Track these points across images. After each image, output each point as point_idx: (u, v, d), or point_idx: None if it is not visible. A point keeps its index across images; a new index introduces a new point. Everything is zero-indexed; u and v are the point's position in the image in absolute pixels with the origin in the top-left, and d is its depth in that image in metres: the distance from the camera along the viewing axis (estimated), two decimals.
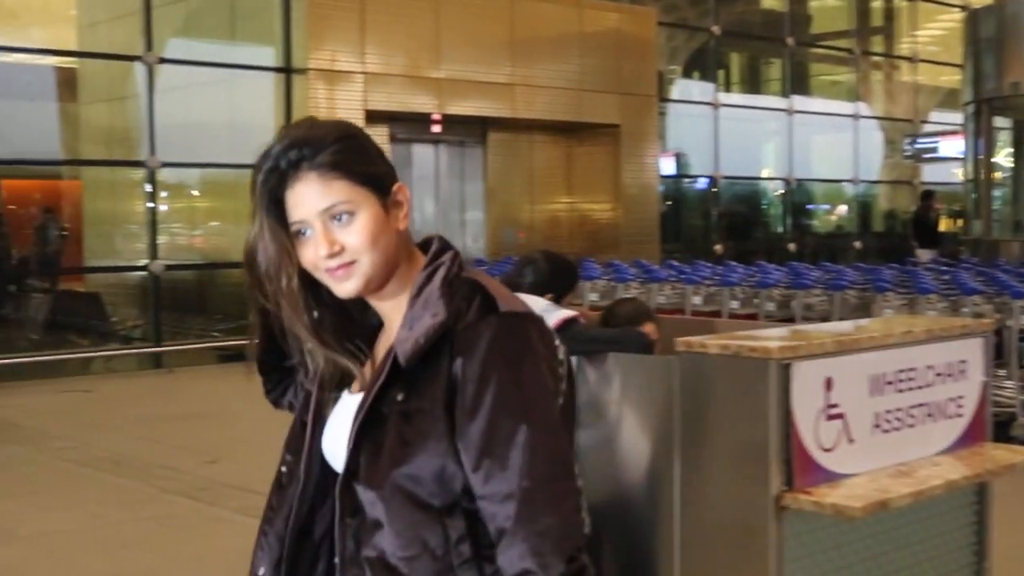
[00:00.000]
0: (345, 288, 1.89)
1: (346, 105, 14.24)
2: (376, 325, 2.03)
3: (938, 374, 3.45)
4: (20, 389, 11.89)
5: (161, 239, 13.94)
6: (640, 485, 3.33)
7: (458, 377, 1.81)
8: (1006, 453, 3.63)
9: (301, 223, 1.87)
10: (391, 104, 14.79)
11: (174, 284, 14.45)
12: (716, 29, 20.00)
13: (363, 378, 1.95)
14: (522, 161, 17.25)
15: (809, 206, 23.49)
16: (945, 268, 12.23)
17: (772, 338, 3.18)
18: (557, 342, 1.94)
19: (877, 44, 25.00)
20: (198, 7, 15.77)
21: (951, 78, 26.02)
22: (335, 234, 1.86)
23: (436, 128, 15.71)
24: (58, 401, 11.27)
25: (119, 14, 15.41)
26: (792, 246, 21.19)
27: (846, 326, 3.97)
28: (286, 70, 14.24)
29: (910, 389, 3.36)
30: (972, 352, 3.57)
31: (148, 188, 13.86)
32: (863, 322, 4.59)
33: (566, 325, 3.45)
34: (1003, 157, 20.09)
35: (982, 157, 19.14)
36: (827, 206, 24.38)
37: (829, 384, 3.10)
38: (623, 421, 3.32)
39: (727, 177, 20.44)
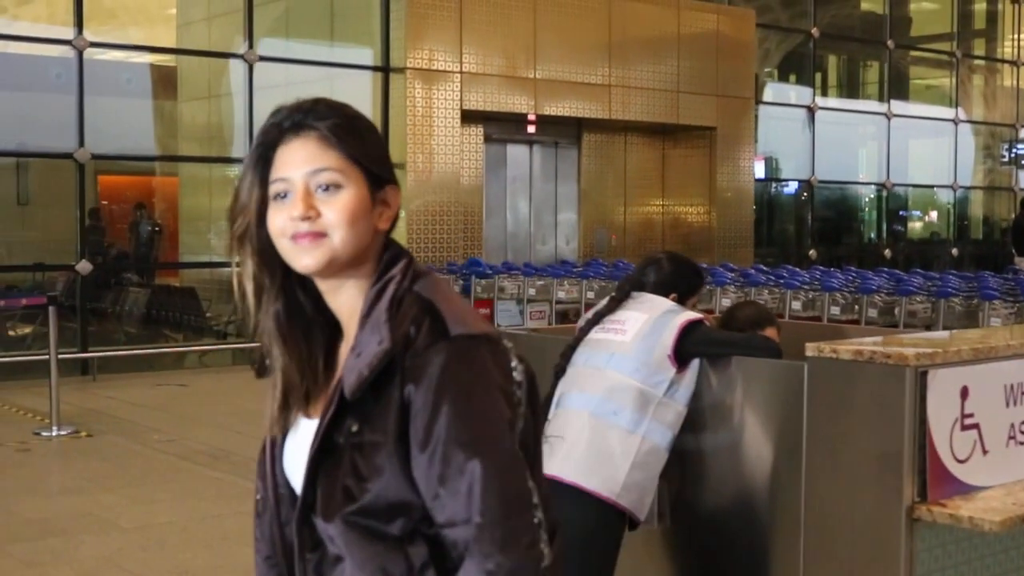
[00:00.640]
0: (305, 260, 1.79)
1: (443, 104, 14.27)
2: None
3: None
4: (116, 382, 12.07)
5: None
6: (764, 491, 3.25)
7: (409, 406, 1.73)
8: None
9: (284, 182, 1.80)
10: (487, 104, 14.79)
11: None
12: (815, 31, 19.75)
13: (315, 399, 1.86)
14: (616, 163, 17.15)
15: (904, 212, 23.11)
16: None
17: (907, 344, 3.08)
18: (514, 363, 1.83)
19: (978, 47, 24.52)
20: (297, 5, 15.90)
21: None
22: (315, 201, 1.79)
23: (531, 129, 15.67)
24: (154, 394, 11.41)
25: (218, 12, 15.61)
26: (887, 252, 20.85)
27: (978, 334, 3.85)
28: (384, 69, 14.30)
29: None
30: None
31: None
32: (997, 330, 4.46)
33: (692, 327, 3.38)
34: None
35: None
36: (923, 212, 23.96)
37: (965, 393, 3.00)
38: (748, 426, 3.24)
39: (823, 182, 20.18)
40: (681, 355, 3.36)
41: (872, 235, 22.20)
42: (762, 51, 18.96)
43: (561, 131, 16.46)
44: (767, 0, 19.64)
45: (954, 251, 22.29)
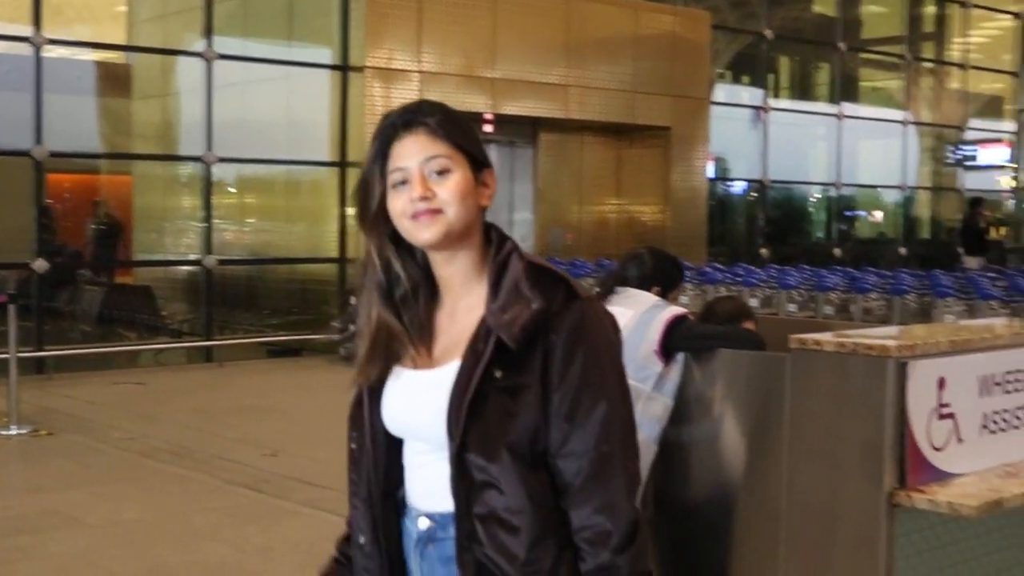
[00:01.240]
0: (425, 235, 2.09)
1: (401, 103, 14.23)
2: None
3: None
4: (73, 380, 11.97)
5: (215, 234, 14.03)
6: (746, 480, 3.33)
7: (550, 354, 2.04)
8: None
9: (402, 171, 2.10)
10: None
11: (224, 279, 14.53)
12: (768, 33, 19.95)
13: (422, 354, 2.16)
14: (572, 162, 17.24)
15: (854, 212, 23.38)
16: (997, 275, 12.14)
17: (887, 336, 3.17)
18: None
19: (928, 50, 24.85)
20: (254, 3, 15.86)
21: (991, 86, 25.90)
22: (430, 184, 2.09)
23: (488, 128, 15.71)
24: (112, 393, 11.34)
25: (172, 11, 15.56)
26: (837, 251, 21.10)
27: (954, 327, 3.96)
28: (343, 68, 14.29)
29: (1017, 391, 3.36)
30: None
31: (204, 183, 13.95)
32: (973, 323, 4.58)
33: (678, 322, 3.45)
34: None
35: None
36: (872, 212, 24.26)
37: (942, 383, 3.10)
38: (732, 417, 3.32)
39: (775, 182, 20.39)
40: (668, 350, 3.44)
41: (821, 234, 22.44)
42: (712, 51, 19.11)
43: (518, 130, 16.51)
44: (716, 1, 19.80)
45: (902, 250, 22.58)
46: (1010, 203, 24.41)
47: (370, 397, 2.20)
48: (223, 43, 13.99)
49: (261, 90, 14.97)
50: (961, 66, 24.31)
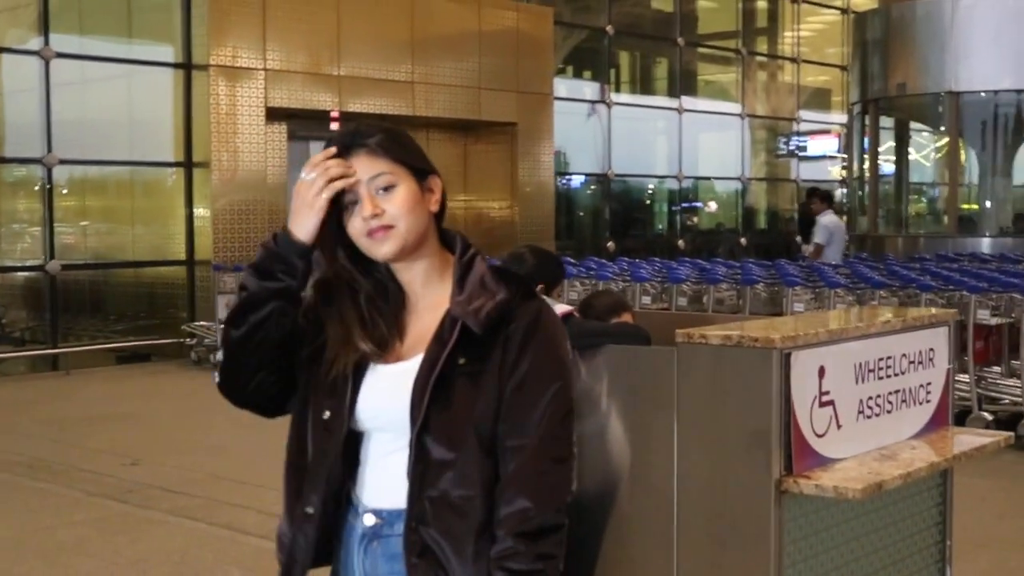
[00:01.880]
0: (383, 250, 2.23)
1: (247, 102, 14.12)
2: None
3: (911, 362, 3.60)
4: None
5: (57, 239, 13.65)
6: (636, 476, 3.40)
7: (509, 342, 2.21)
8: (971, 436, 3.81)
9: (352, 193, 2.22)
10: (291, 101, 14.71)
11: (69, 284, 14.16)
12: (609, 28, 20.24)
13: (391, 350, 2.29)
14: None
15: (696, 203, 23.88)
16: (837, 264, 12.56)
17: (770, 328, 3.28)
18: None
19: (761, 44, 25.52)
20: (95, 1, 15.47)
21: (817, 78, 26.75)
22: (378, 201, 2.22)
23: (335, 125, 15.63)
24: None
25: (5, 8, 15.07)
26: (681, 243, 21.53)
27: (830, 316, 4.10)
28: (186, 66, 14.05)
29: (888, 377, 3.50)
30: (938, 341, 3.74)
31: (44, 186, 13.56)
32: (847, 312, 4.74)
33: (565, 320, 3.50)
34: (884, 156, 20.67)
35: (868, 155, 19.68)
36: (712, 204, 24.81)
37: (822, 372, 3.22)
38: (619, 413, 3.38)
39: (619, 175, 20.71)
40: None
41: (664, 226, 22.88)
42: (554, 47, 19.31)
43: None
44: None
45: (742, 240, 23.16)
46: (839, 192, 25.20)
47: (354, 377, 2.29)
48: (61, 41, 13.60)
49: (102, 89, 14.62)
50: (793, 60, 25.02)
